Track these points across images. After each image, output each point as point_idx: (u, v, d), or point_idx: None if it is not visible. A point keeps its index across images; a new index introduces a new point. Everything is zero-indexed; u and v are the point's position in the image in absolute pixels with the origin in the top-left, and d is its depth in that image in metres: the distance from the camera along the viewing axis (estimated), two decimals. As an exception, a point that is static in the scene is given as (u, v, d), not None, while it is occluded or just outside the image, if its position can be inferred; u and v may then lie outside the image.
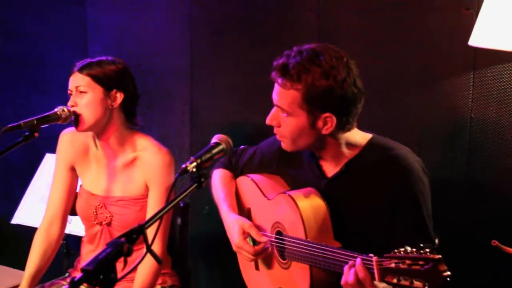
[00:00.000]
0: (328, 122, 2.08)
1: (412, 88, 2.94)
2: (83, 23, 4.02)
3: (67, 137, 2.68)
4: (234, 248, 2.37)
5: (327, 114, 2.06)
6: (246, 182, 2.53)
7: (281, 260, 2.30)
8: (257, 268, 2.47)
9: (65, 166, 2.69)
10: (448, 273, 1.64)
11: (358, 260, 1.86)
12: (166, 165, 2.56)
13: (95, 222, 2.64)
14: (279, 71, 2.09)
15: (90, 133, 2.64)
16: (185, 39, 3.64)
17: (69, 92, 2.52)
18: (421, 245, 1.71)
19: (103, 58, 2.56)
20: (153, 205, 2.54)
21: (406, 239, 1.99)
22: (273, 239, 2.32)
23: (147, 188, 2.58)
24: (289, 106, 2.08)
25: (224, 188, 2.55)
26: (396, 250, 1.74)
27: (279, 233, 2.29)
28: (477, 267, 2.83)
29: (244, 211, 2.53)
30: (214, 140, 2.01)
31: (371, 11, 3.03)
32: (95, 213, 2.63)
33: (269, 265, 2.40)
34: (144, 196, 2.59)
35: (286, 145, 2.21)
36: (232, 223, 2.38)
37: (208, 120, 3.63)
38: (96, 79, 2.49)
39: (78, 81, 2.49)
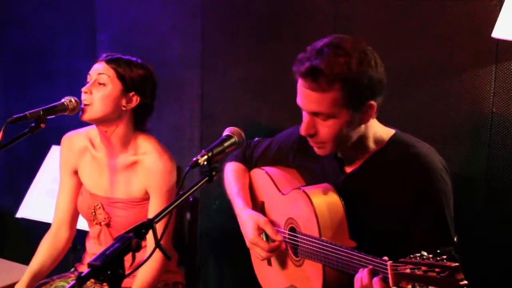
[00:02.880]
0: (369, 111, 2.03)
1: (432, 81, 2.92)
2: (92, 12, 4.01)
3: (66, 142, 2.70)
4: (248, 244, 2.35)
5: (369, 102, 2.01)
6: (260, 175, 2.52)
7: (293, 257, 2.29)
8: (269, 263, 2.46)
9: (68, 170, 2.70)
10: (465, 282, 1.61)
11: (365, 270, 1.85)
12: (167, 172, 2.55)
13: (95, 222, 2.64)
14: (309, 76, 1.97)
15: (88, 135, 2.66)
16: (196, 29, 3.63)
17: (88, 78, 2.51)
18: (438, 251, 1.68)
19: (133, 59, 2.56)
20: (154, 212, 2.53)
21: (427, 240, 1.98)
22: (286, 236, 2.30)
23: (146, 192, 2.58)
24: (332, 108, 1.99)
25: (238, 182, 2.53)
26: (411, 255, 1.72)
27: (292, 229, 2.28)
28: (498, 267, 2.81)
29: (257, 205, 2.52)
30: (226, 132, 1.99)
31: (390, 0, 3.00)
32: (93, 213, 2.63)
33: (281, 261, 2.39)
34: (143, 199, 2.59)
35: (326, 150, 2.12)
36: (247, 218, 2.36)
37: (220, 112, 3.62)
38: (120, 75, 2.48)
39: (101, 70, 2.48)
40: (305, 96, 2.02)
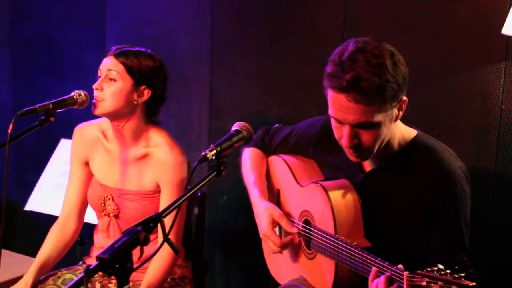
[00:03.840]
0: (404, 105, 2.03)
1: (442, 78, 2.92)
2: (101, 5, 4.03)
3: (78, 133, 2.72)
4: (261, 235, 2.37)
5: (403, 99, 2.02)
6: (278, 162, 2.52)
7: (306, 249, 2.30)
8: (281, 252, 2.46)
9: (79, 161, 2.72)
10: None
11: (382, 277, 1.84)
12: (178, 165, 2.57)
13: (104, 214, 2.66)
14: (352, 89, 1.91)
15: (100, 127, 2.68)
16: (205, 23, 3.64)
17: (98, 73, 2.53)
18: (456, 267, 1.67)
19: (143, 49, 2.56)
20: (165, 205, 2.54)
21: (440, 246, 1.99)
22: (300, 228, 2.32)
23: (157, 185, 2.59)
24: (377, 115, 1.95)
25: (255, 170, 2.53)
26: (429, 269, 1.70)
27: (307, 222, 2.29)
28: (504, 265, 2.81)
29: (273, 192, 2.53)
30: (234, 127, 2.01)
31: (400, -3, 3.01)
32: (103, 204, 2.65)
33: (293, 252, 2.40)
34: (153, 192, 2.61)
35: (366, 157, 2.10)
36: (262, 210, 2.37)
37: (228, 107, 3.63)
38: (130, 70, 2.49)
39: (111, 66, 2.50)
40: (348, 110, 1.95)
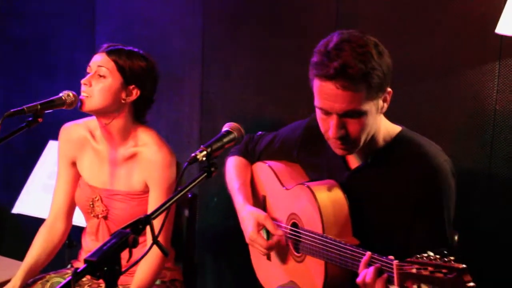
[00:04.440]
0: (388, 96, 2.06)
1: (435, 77, 2.92)
2: (91, 4, 4.01)
3: (65, 133, 2.70)
4: (248, 240, 2.36)
5: (388, 90, 2.04)
6: (263, 169, 2.52)
7: (295, 253, 2.30)
8: (269, 259, 2.47)
9: (66, 161, 2.70)
10: (472, 284, 1.61)
11: (371, 268, 1.85)
12: (167, 165, 2.56)
13: (92, 215, 2.65)
14: (340, 75, 1.93)
15: (87, 127, 2.66)
16: (196, 23, 3.63)
17: (88, 69, 2.52)
18: (445, 252, 1.68)
19: (135, 50, 2.56)
20: (154, 205, 2.53)
21: (422, 239, 2.00)
22: (288, 231, 2.31)
23: (146, 186, 2.58)
24: (364, 102, 1.97)
25: (239, 177, 2.54)
26: (418, 255, 1.72)
27: (294, 225, 2.29)
28: (499, 267, 2.81)
29: (259, 199, 2.53)
30: (225, 128, 1.99)
31: (393, -4, 3.01)
32: (91, 205, 2.64)
33: (282, 256, 2.39)
34: (142, 192, 2.59)
35: (353, 150, 2.09)
36: (247, 215, 2.37)
37: (220, 108, 3.62)
38: (120, 67, 2.48)
39: (101, 62, 2.48)
40: (336, 98, 1.97)
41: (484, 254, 2.77)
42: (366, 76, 1.94)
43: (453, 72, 2.86)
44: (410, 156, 2.09)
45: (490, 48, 2.75)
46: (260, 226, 2.34)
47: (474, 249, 2.49)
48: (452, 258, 1.66)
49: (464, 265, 1.63)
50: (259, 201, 2.52)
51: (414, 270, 1.70)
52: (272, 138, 2.54)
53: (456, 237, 2.27)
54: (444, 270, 1.64)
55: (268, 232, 2.37)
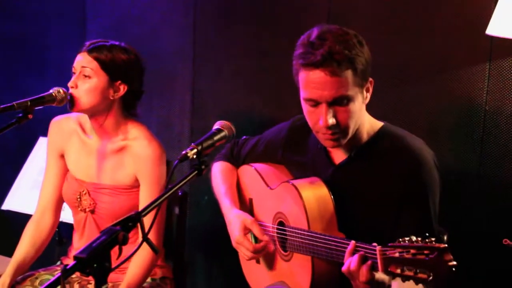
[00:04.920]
0: (371, 86, 2.09)
1: (426, 77, 2.94)
2: (82, 2, 4.01)
3: (55, 125, 2.71)
4: (234, 244, 2.36)
5: (370, 80, 2.08)
6: (248, 172, 2.53)
7: (282, 252, 2.31)
8: (257, 261, 2.47)
9: (55, 154, 2.70)
10: (454, 262, 1.63)
11: (355, 256, 1.88)
12: (157, 158, 2.56)
13: (79, 209, 2.65)
14: (327, 61, 1.97)
15: (78, 120, 2.66)
16: (188, 20, 3.63)
17: (73, 70, 2.52)
18: (427, 234, 1.70)
19: (116, 43, 2.55)
20: (145, 200, 2.54)
21: (408, 232, 2.01)
22: (275, 231, 2.32)
23: (135, 180, 2.59)
24: (352, 88, 2.01)
25: (225, 181, 2.54)
26: (400, 239, 1.74)
27: (281, 223, 2.30)
28: (488, 266, 2.83)
29: (245, 202, 2.54)
30: (216, 126, 2.00)
31: (385, -4, 3.03)
32: (79, 199, 2.64)
33: (270, 258, 2.40)
34: (130, 186, 2.60)
35: (343, 140, 2.09)
36: (234, 218, 2.38)
37: (211, 106, 3.62)
38: (103, 65, 2.48)
39: (84, 63, 2.49)
40: (324, 85, 1.99)
41: (473, 253, 2.79)
42: (351, 61, 1.98)
43: (444, 72, 2.88)
44: (393, 150, 2.10)
45: (481, 49, 2.77)
46: (247, 230, 2.34)
47: (464, 249, 2.50)
48: (433, 239, 1.68)
49: (445, 245, 1.64)
50: (245, 205, 2.53)
51: (397, 254, 1.72)
52: (256, 141, 2.55)
53: (445, 237, 2.29)
54: (426, 252, 1.66)
55: (255, 237, 2.38)
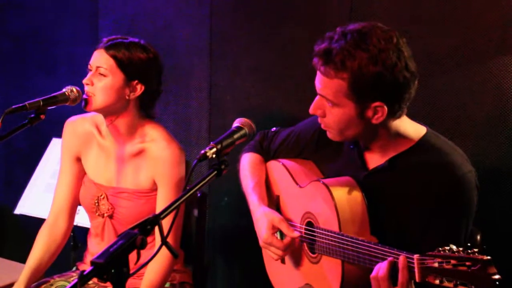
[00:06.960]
0: (378, 112, 2.03)
1: (454, 70, 2.91)
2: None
3: (70, 127, 2.71)
4: (261, 243, 2.36)
5: (377, 103, 2.02)
6: (276, 167, 2.52)
7: (310, 254, 2.30)
8: (283, 262, 2.47)
9: (70, 156, 2.71)
10: (498, 276, 1.61)
11: (385, 262, 1.87)
12: (176, 162, 2.56)
13: (97, 214, 2.66)
14: (321, 58, 2.03)
15: (94, 121, 2.67)
16: (204, 14, 3.63)
17: (89, 67, 2.52)
18: (469, 244, 1.68)
19: (136, 40, 2.55)
20: (162, 203, 2.54)
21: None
22: (303, 231, 2.31)
23: (154, 183, 2.59)
24: (335, 96, 2.04)
25: (254, 176, 2.54)
26: (440, 248, 1.72)
27: (309, 224, 2.29)
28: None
29: (272, 199, 2.53)
30: (236, 124, 2.00)
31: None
32: (96, 204, 2.64)
33: (296, 259, 2.39)
34: (150, 190, 2.60)
35: (332, 135, 2.18)
36: (261, 216, 2.37)
37: (229, 103, 3.62)
38: (120, 64, 2.48)
39: (101, 61, 2.49)
40: (317, 76, 2.09)
41: (508, 255, 2.76)
42: (342, 72, 1.99)
43: (473, 65, 2.86)
44: (433, 164, 2.07)
45: (511, 39, 2.74)
46: (275, 229, 2.33)
47: (498, 250, 2.47)
48: (475, 250, 1.66)
49: (488, 257, 1.63)
50: (272, 201, 2.52)
51: (436, 264, 1.71)
52: (287, 134, 2.54)
53: (478, 237, 2.27)
54: (468, 263, 1.64)
55: (282, 235, 2.37)
